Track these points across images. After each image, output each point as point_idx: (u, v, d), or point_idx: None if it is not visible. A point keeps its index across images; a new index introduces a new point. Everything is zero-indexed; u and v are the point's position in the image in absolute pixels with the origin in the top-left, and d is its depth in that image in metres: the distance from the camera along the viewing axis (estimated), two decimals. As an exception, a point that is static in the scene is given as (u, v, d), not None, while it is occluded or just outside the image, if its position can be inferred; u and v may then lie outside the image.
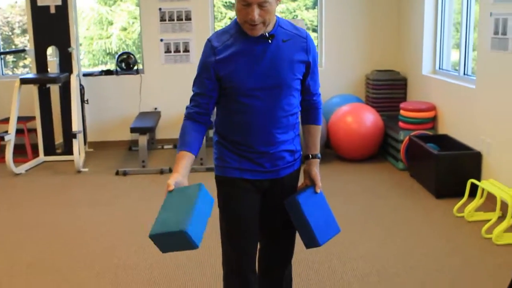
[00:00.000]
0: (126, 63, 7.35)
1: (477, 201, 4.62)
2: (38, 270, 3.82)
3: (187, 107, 2.44)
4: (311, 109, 2.60)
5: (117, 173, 6.19)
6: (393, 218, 4.66)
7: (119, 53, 7.52)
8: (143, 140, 6.18)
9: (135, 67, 7.38)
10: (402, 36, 7.25)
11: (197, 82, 2.43)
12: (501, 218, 4.41)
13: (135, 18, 10.42)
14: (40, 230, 4.57)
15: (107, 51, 11.07)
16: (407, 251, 4.00)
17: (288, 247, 2.71)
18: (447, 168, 5.09)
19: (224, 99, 2.44)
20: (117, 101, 7.37)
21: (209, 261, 3.89)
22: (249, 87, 2.36)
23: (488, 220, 4.44)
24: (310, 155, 2.58)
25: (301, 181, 2.60)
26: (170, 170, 6.19)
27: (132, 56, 7.38)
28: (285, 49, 2.39)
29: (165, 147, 7.38)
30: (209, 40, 2.41)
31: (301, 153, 2.63)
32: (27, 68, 8.93)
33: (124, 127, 7.36)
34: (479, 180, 4.96)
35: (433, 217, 4.65)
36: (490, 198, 4.78)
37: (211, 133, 6.98)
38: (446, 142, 5.67)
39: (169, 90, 7.34)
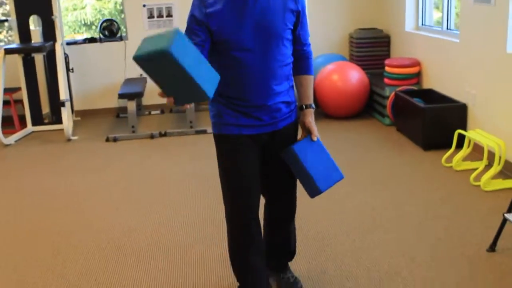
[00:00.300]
0: (109, 30, 7.30)
1: (465, 151, 4.76)
2: (39, 235, 3.88)
3: None
4: (302, 59, 2.62)
5: (107, 140, 6.21)
6: (384, 171, 4.78)
7: (101, 20, 7.46)
8: (131, 105, 6.20)
9: (119, 34, 7.34)
10: (384, -7, 7.30)
11: (187, 33, 2.39)
12: (488, 166, 4.56)
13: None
14: (36, 197, 4.62)
15: (83, 22, 10.94)
16: (400, 200, 4.13)
17: (291, 199, 2.79)
18: (433, 120, 5.20)
19: (217, 54, 2.44)
20: (102, 68, 7.35)
21: (212, 220, 3.98)
22: (241, 40, 2.36)
23: (476, 169, 4.59)
24: (304, 106, 2.62)
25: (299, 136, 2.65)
26: (160, 134, 6.23)
27: (115, 23, 7.34)
28: (275, 0, 2.41)
29: (152, 112, 7.40)
30: None
31: (296, 104, 2.68)
32: (2, 42, 8.80)
33: (111, 95, 7.37)
34: (465, 131, 5.09)
35: (422, 168, 4.79)
36: (477, 149, 4.92)
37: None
38: (431, 96, 5.78)
39: (154, 56, 7.33)
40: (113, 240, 3.73)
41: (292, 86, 2.62)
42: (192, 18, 2.39)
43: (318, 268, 3.21)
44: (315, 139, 2.55)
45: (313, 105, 2.64)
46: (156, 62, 1.93)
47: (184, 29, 2.41)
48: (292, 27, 2.48)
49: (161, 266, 3.33)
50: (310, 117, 2.60)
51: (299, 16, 2.49)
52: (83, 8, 11.01)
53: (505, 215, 3.26)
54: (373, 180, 4.57)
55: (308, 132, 2.58)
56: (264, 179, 2.67)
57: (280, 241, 2.90)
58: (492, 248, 3.32)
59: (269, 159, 2.64)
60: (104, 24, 7.33)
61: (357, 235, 3.61)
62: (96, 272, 3.30)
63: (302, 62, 2.62)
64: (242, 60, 2.40)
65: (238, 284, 2.80)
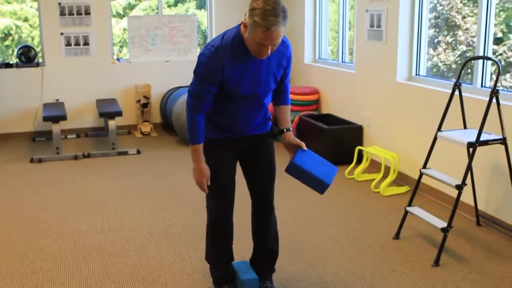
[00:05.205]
0: (26, 56, 7.53)
1: (364, 164, 5.62)
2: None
3: (191, 102, 2.88)
4: (282, 93, 3.15)
5: (31, 161, 6.45)
6: (292, 184, 5.49)
7: (19, 46, 7.66)
8: (56, 128, 6.50)
9: (36, 60, 7.59)
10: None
11: (202, 81, 2.81)
12: (383, 177, 5.43)
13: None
14: (-21, 211, 4.85)
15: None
16: (313, 205, 4.86)
17: (270, 191, 3.38)
18: (335, 140, 6.05)
19: (217, 93, 2.94)
20: (18, 93, 7.53)
21: (156, 225, 4.48)
22: (240, 94, 2.92)
23: (374, 179, 5.45)
24: (285, 129, 3.15)
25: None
26: (84, 156, 6.57)
27: (32, 49, 7.58)
28: (273, 61, 2.91)
29: (68, 136, 7.68)
30: (216, 50, 2.77)
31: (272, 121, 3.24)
32: None
33: (26, 119, 7.58)
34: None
35: (329, 180, 5.57)
36: (373, 163, 5.81)
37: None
38: (330, 119, 6.64)
39: (70, 82, 7.65)
40: (75, 243, 4.12)
41: (267, 110, 3.16)
42: (209, 71, 2.79)
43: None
44: (305, 149, 3.09)
45: (291, 128, 3.20)
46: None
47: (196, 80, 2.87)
48: (279, 79, 3.05)
49: (126, 262, 3.81)
50: (292, 136, 3.14)
51: (287, 68, 3.04)
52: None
53: (407, 208, 4.09)
54: (287, 189, 5.26)
55: (297, 147, 3.10)
56: (247, 178, 3.25)
57: (265, 234, 3.35)
58: (397, 236, 4.13)
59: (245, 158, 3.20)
60: (21, 50, 7.55)
61: (292, 230, 4.28)
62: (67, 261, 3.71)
63: (282, 95, 3.16)
64: (236, 105, 2.95)
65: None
